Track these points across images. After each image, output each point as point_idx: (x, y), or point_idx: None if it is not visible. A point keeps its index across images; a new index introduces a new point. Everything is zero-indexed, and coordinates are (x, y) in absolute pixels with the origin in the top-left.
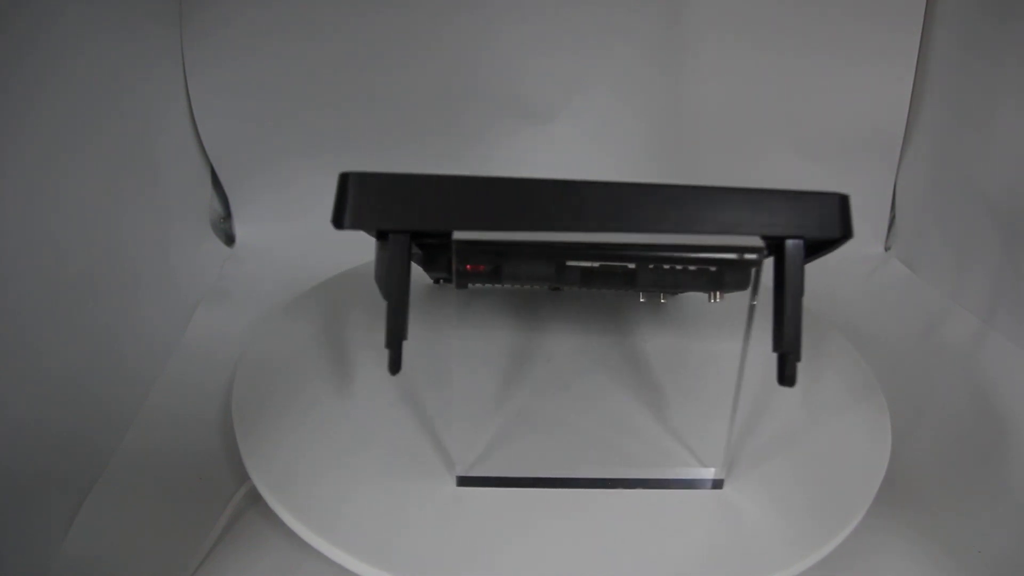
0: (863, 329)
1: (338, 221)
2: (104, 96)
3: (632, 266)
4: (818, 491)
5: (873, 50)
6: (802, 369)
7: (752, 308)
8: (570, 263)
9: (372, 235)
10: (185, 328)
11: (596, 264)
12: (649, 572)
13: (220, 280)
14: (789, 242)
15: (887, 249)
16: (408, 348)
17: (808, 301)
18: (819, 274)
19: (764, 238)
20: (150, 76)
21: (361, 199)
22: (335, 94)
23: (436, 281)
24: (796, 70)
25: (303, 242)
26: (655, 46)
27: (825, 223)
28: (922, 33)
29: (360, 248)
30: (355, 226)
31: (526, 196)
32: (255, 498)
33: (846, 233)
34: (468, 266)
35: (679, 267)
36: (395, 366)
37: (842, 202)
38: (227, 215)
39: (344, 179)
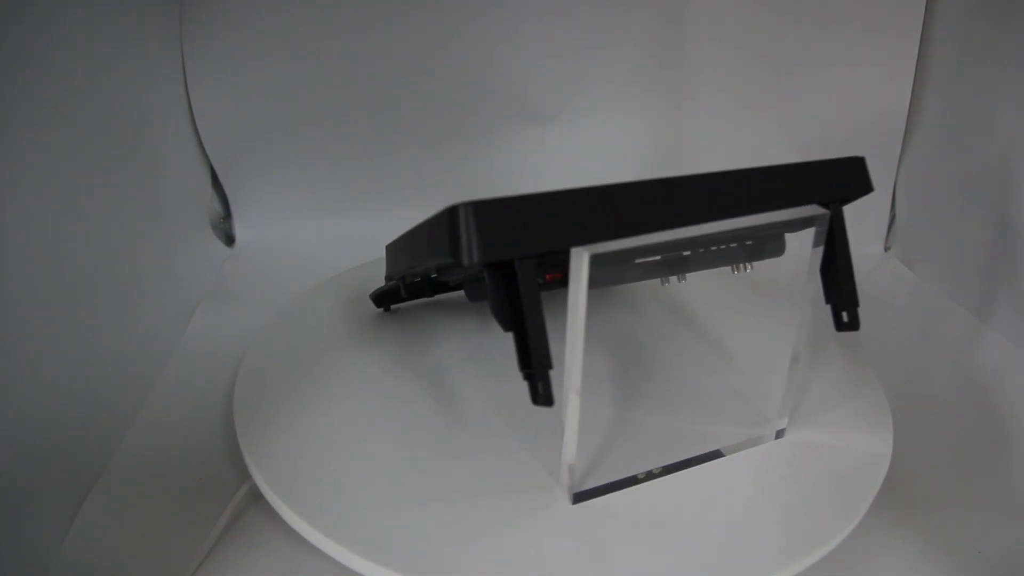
0: (863, 329)
1: (457, 254)
2: (105, 97)
3: (687, 252)
4: (818, 490)
5: (873, 50)
6: (803, 369)
7: (813, 269)
8: (638, 260)
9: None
10: (185, 328)
11: (659, 256)
12: (647, 566)
13: (220, 280)
14: (832, 205)
15: (887, 249)
16: (398, 352)
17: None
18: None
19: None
20: (151, 77)
21: (484, 229)
22: (335, 94)
23: (386, 309)
24: (796, 70)
25: (303, 242)
26: (655, 47)
27: (858, 184)
28: (922, 33)
29: (360, 248)
30: (481, 259)
31: (637, 199)
32: (255, 497)
33: (870, 189)
34: (548, 276)
35: (724, 246)
36: (550, 398)
37: (864, 163)
38: (227, 215)
39: (454, 212)
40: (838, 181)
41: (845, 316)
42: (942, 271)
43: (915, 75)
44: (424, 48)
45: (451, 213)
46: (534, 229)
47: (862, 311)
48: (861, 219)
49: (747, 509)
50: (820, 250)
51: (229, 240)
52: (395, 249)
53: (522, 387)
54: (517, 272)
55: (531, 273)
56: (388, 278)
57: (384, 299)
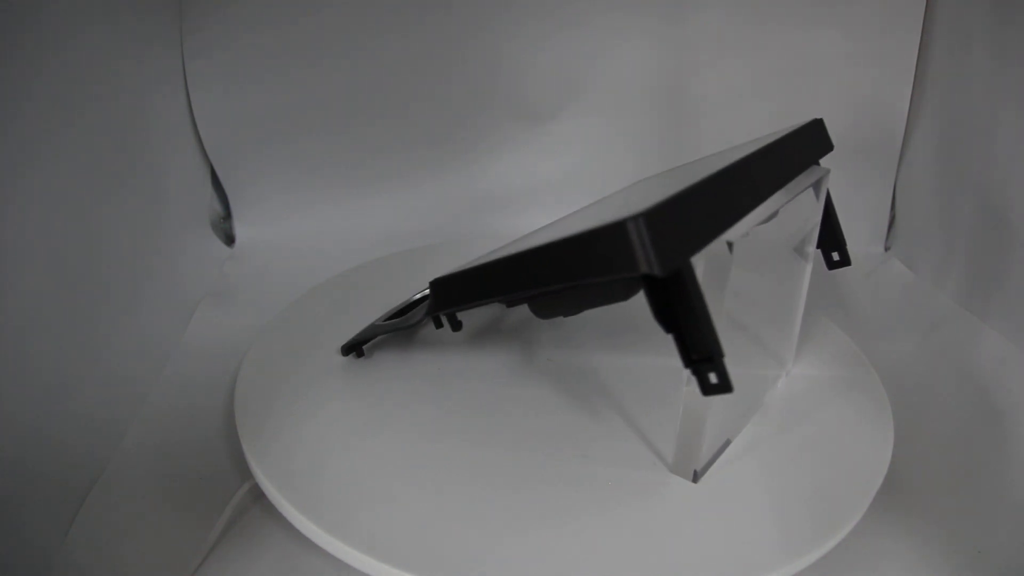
0: (864, 329)
1: (634, 267)
2: (104, 97)
3: None
4: (818, 490)
5: (873, 50)
6: (804, 368)
7: (811, 217)
8: None
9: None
10: (185, 328)
11: None
12: (638, 571)
13: (220, 280)
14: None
15: (887, 249)
16: (398, 351)
17: (809, 300)
18: (820, 273)
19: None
20: (150, 77)
21: (657, 238)
22: (335, 95)
23: (358, 355)
24: (796, 70)
25: (303, 242)
26: (655, 45)
27: (826, 142)
28: (922, 33)
29: (360, 248)
30: (663, 269)
31: (745, 179)
32: (256, 496)
33: (831, 147)
34: None
35: None
36: (728, 383)
37: (823, 124)
38: (227, 215)
39: (623, 227)
40: (819, 141)
41: (836, 255)
42: (942, 271)
43: (915, 75)
44: (424, 49)
45: (619, 228)
46: (695, 226)
47: (862, 310)
48: (861, 219)
49: (747, 508)
50: (823, 202)
51: (229, 240)
52: (470, 280)
53: (520, 384)
54: (683, 271)
55: (694, 269)
56: (434, 314)
57: (357, 344)
